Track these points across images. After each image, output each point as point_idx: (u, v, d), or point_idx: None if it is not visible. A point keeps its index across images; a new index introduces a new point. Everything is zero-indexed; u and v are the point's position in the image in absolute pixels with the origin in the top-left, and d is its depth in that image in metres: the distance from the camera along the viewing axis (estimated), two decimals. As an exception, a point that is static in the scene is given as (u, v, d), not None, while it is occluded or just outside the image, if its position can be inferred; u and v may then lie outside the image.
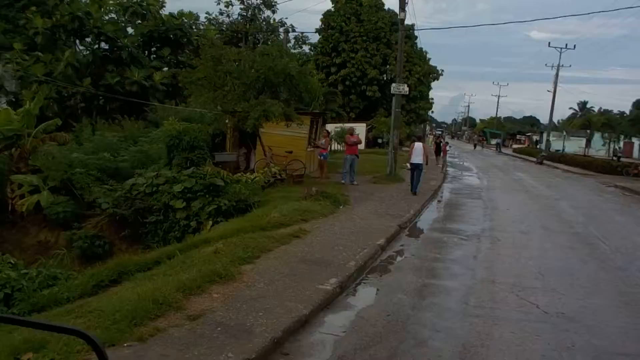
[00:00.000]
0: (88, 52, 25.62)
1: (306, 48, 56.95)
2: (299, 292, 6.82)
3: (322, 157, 20.33)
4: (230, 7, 52.61)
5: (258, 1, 53.36)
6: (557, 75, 54.14)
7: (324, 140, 20.61)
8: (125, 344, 5.00)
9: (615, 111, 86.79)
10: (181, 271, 7.52)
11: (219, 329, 5.48)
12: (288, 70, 16.52)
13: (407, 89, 22.82)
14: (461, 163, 41.27)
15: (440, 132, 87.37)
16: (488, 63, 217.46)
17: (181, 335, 5.29)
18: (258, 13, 54.60)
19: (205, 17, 52.44)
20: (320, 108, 28.28)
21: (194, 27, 30.14)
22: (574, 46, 54.62)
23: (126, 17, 26.65)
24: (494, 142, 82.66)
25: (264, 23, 54.78)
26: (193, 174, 14.85)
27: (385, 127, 51.17)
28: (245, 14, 53.86)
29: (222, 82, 16.82)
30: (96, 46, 25.37)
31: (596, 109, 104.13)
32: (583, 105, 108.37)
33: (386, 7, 54.24)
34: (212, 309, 6.03)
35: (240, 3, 52.95)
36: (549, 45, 53.15)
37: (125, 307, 5.81)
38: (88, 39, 26.30)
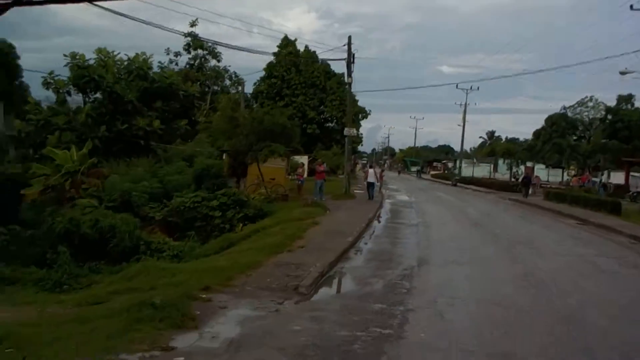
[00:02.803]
0: (101, 105, 31.45)
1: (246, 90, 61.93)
2: (339, 240, 13.52)
3: (299, 182, 27.14)
4: (179, 56, 57.92)
5: (204, 52, 58.77)
6: (464, 112, 62.91)
7: (300, 170, 27.48)
8: (285, 251, 11.71)
9: (521, 139, 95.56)
10: (272, 236, 14.19)
11: (315, 249, 12.17)
12: (285, 124, 23.58)
13: (355, 132, 30.32)
14: (391, 187, 48.90)
15: (365, 162, 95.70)
16: (403, 96, 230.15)
17: (301, 251, 11.89)
18: (205, 62, 59.99)
19: (158, 66, 57.27)
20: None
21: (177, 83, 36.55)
22: (478, 87, 61.95)
23: (130, 78, 32.70)
24: (414, 169, 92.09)
25: (209, 71, 60.15)
26: (225, 192, 21.29)
27: (325, 159, 59.21)
28: (192, 62, 58.98)
29: (235, 132, 23.57)
30: (107, 101, 31.25)
31: (503, 137, 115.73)
32: (491, 134, 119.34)
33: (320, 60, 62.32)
34: (305, 245, 12.68)
35: (188, 53, 58.09)
36: (456, 87, 61.52)
37: (269, 245, 12.46)
38: (99, 96, 32.18)
